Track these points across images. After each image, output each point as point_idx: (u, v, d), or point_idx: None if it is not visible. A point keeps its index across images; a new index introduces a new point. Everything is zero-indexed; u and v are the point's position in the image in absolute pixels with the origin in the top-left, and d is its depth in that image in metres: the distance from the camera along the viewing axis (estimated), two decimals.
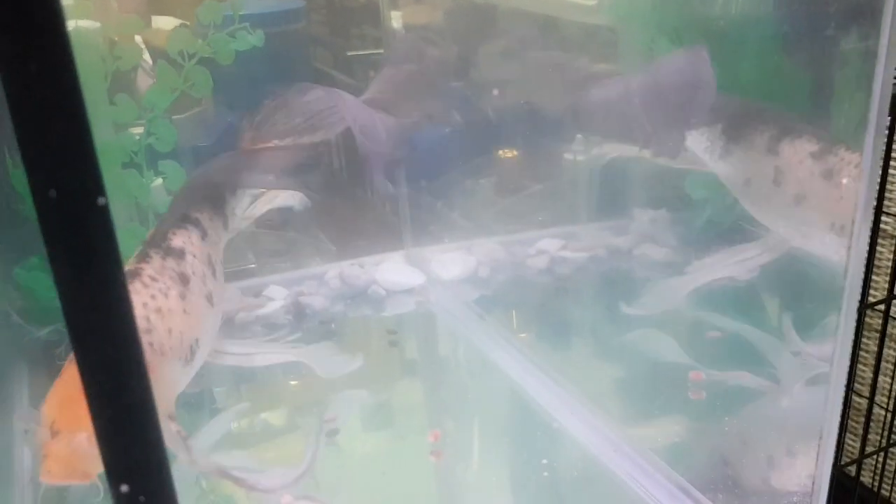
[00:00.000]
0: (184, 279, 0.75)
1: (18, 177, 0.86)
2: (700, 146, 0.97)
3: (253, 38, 0.92)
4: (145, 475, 0.33)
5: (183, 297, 0.74)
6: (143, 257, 0.75)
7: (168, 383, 0.70)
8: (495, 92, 1.17)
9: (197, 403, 0.92)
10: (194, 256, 0.78)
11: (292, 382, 1.02)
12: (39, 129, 0.28)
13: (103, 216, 0.29)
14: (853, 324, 0.72)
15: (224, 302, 0.91)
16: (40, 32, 0.27)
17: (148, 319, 0.69)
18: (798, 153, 0.88)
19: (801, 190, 0.88)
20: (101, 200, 0.29)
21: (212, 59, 0.91)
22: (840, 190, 0.84)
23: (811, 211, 0.88)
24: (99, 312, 0.30)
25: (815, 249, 0.92)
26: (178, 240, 0.78)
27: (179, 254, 0.77)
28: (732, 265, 1.01)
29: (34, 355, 0.90)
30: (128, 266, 0.73)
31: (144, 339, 0.65)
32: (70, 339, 0.31)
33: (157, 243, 0.77)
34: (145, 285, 0.71)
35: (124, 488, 0.33)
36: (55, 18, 0.28)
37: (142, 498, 0.34)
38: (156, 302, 0.71)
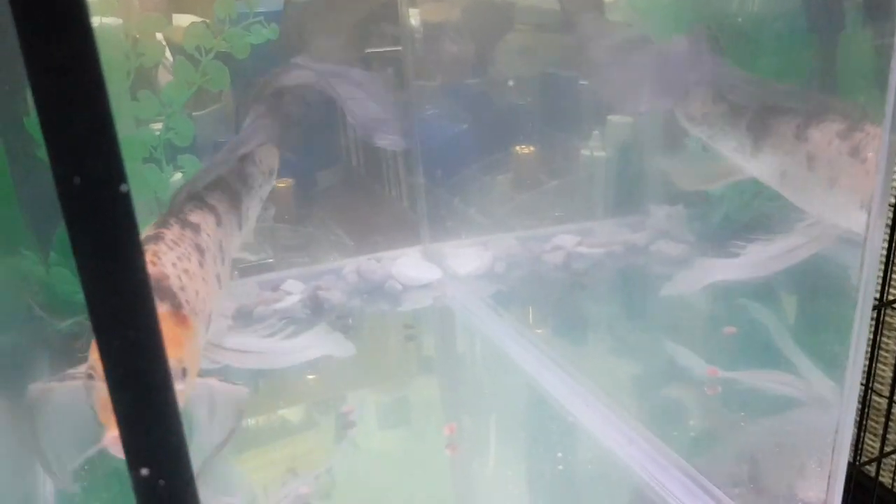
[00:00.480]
0: (200, 250, 0.75)
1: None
2: (729, 148, 0.97)
3: (267, 32, 0.93)
4: (165, 459, 0.34)
5: (201, 265, 0.74)
6: (163, 224, 0.75)
7: (196, 347, 0.71)
8: (510, 83, 1.17)
9: None
10: (208, 235, 0.78)
11: (310, 377, 1.02)
12: (63, 117, 0.29)
13: (126, 203, 0.30)
14: (868, 320, 0.72)
15: (231, 298, 0.91)
16: (64, 22, 0.28)
17: (179, 278, 0.69)
18: (826, 135, 0.87)
19: (833, 173, 0.87)
20: (123, 187, 0.29)
21: (228, 53, 0.92)
22: (867, 166, 0.83)
23: (845, 191, 0.87)
24: (121, 297, 0.31)
25: (853, 231, 0.90)
26: (194, 216, 0.79)
27: (195, 228, 0.77)
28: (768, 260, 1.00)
29: (56, 347, 0.91)
30: (147, 231, 0.73)
31: (180, 296, 0.67)
32: (91, 323, 0.31)
33: (175, 214, 0.78)
34: (170, 248, 0.72)
35: (144, 472, 0.34)
36: (79, 11, 0.28)
37: (161, 481, 0.34)
38: (182, 264, 0.71)
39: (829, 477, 0.68)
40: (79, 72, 0.28)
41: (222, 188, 0.88)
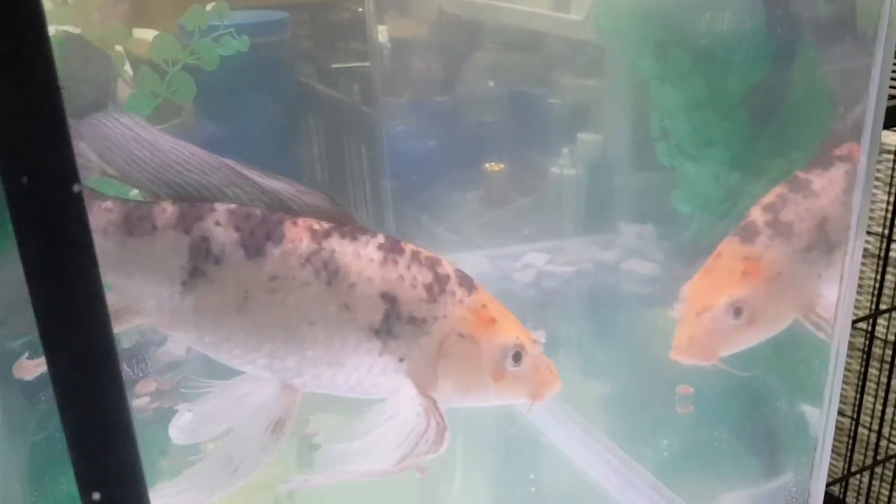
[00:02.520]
0: None
1: None
2: None
3: (237, 43, 0.91)
4: (118, 482, 0.32)
5: None
6: None
7: None
8: (491, 84, 1.16)
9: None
10: None
11: None
12: (12, 112, 0.27)
13: (78, 205, 0.28)
14: (846, 341, 0.72)
15: None
16: (14, 17, 0.26)
17: None
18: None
19: None
20: (75, 188, 0.27)
21: (196, 65, 0.90)
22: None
23: None
24: (71, 306, 0.29)
25: None
26: None
27: None
28: None
29: (5, 368, 0.88)
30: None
31: None
32: (40, 334, 0.29)
33: None
34: None
35: (96, 496, 0.31)
36: (35, 14, 0.26)
37: None
38: None
39: (807, 497, 0.68)
40: (29, 65, 0.27)
41: None
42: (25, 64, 0.26)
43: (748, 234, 0.75)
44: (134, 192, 0.92)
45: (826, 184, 0.75)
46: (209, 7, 1.13)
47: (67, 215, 0.28)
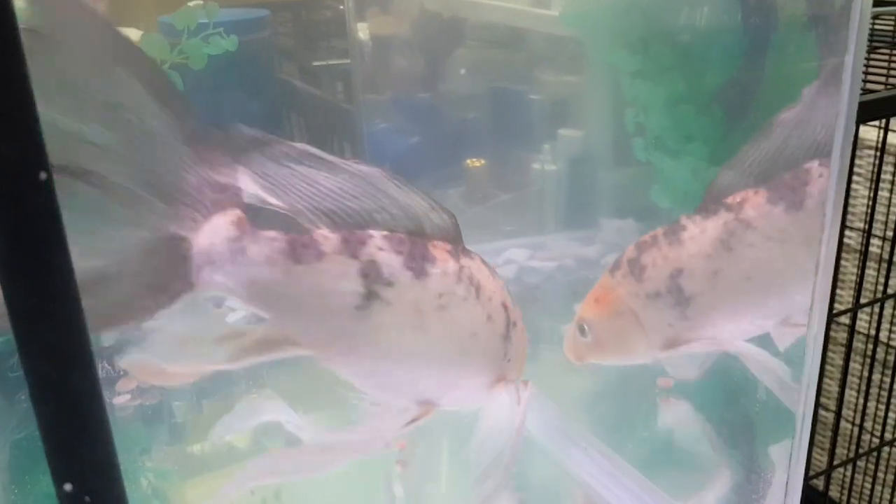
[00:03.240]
0: None
1: None
2: None
3: (226, 43, 0.91)
4: (91, 473, 0.31)
5: None
6: None
7: None
8: (472, 80, 1.16)
9: (156, 416, 0.89)
10: None
11: (253, 396, 0.99)
12: None
13: (46, 191, 0.28)
14: (823, 335, 0.73)
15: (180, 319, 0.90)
16: None
17: None
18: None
19: None
20: (41, 175, 0.27)
21: (184, 64, 0.90)
22: None
23: None
24: (41, 296, 0.28)
25: None
26: None
27: None
28: None
29: None
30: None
31: None
32: (11, 325, 0.29)
33: None
34: None
35: (68, 487, 0.31)
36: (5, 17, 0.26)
37: (87, 498, 0.32)
38: None
39: (785, 493, 0.68)
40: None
41: None
42: None
43: (614, 266, 0.78)
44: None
45: (697, 233, 0.75)
46: (192, 3, 1.13)
47: (35, 203, 0.28)
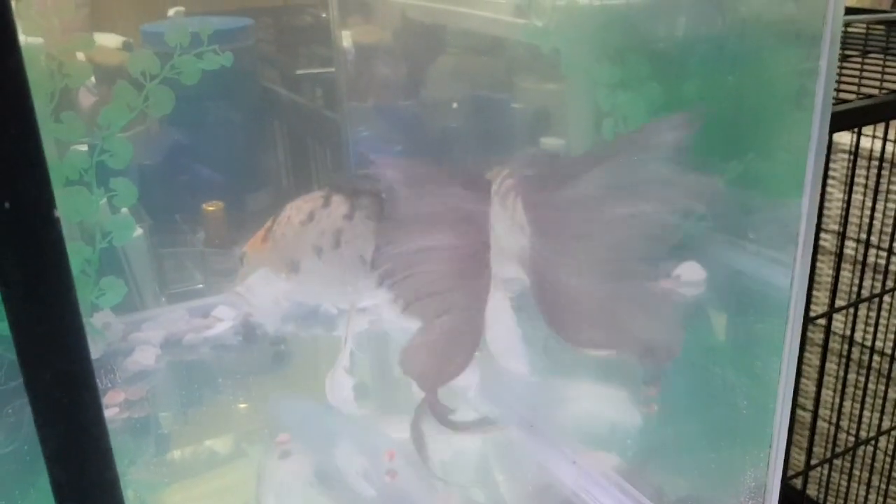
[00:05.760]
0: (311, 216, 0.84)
1: None
2: None
3: (221, 59, 0.91)
4: (97, 493, 0.32)
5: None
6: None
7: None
8: (454, 105, 1.17)
9: (143, 428, 0.90)
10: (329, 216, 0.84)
11: (241, 406, 1.00)
12: None
13: (57, 229, 0.29)
14: (799, 337, 0.74)
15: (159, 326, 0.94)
16: None
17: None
18: None
19: None
20: (55, 213, 0.28)
21: (175, 78, 0.90)
22: None
23: None
24: (50, 325, 0.29)
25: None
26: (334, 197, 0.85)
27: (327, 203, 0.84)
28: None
29: None
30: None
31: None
32: (17, 353, 0.30)
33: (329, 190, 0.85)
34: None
35: None
36: (7, 32, 0.27)
37: None
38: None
39: (763, 493, 0.70)
40: (6, 93, 0.27)
41: None
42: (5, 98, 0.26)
43: None
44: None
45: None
46: (172, 12, 1.13)
47: (47, 239, 0.29)
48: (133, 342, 1.00)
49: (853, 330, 1.39)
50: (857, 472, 1.56)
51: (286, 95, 1.29)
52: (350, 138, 1.24)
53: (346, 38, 1.23)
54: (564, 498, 0.81)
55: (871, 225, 1.31)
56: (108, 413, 0.87)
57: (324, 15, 1.23)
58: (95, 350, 0.95)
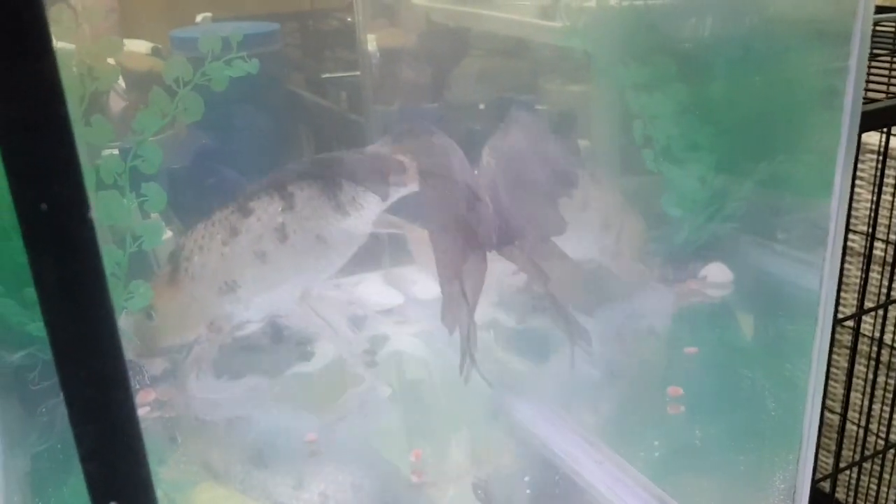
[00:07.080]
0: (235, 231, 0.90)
1: None
2: None
3: (248, 66, 0.93)
4: (132, 493, 0.33)
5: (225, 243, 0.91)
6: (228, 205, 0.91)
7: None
8: (481, 106, 1.18)
9: (174, 427, 0.91)
10: (259, 220, 0.91)
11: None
12: (28, 143, 0.28)
13: (91, 230, 0.29)
14: (828, 339, 0.74)
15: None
16: (28, 51, 0.27)
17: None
18: None
19: None
20: (90, 214, 0.29)
21: (206, 85, 0.91)
22: None
23: None
24: (84, 325, 0.30)
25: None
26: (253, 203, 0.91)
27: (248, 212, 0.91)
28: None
29: (5, 381, 0.88)
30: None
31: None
32: (53, 353, 0.30)
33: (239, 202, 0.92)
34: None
35: None
36: (42, 38, 0.28)
37: None
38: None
39: (793, 496, 0.69)
40: (42, 97, 0.28)
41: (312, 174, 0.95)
42: (35, 91, 0.27)
43: None
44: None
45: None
46: (200, 17, 1.14)
47: (82, 240, 0.29)
48: None
49: (882, 332, 1.38)
50: (886, 476, 1.54)
51: (312, 99, 1.30)
52: (375, 141, 1.24)
53: (372, 42, 1.24)
54: (592, 498, 0.81)
55: None
56: (139, 413, 0.88)
57: (349, 19, 1.24)
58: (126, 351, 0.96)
